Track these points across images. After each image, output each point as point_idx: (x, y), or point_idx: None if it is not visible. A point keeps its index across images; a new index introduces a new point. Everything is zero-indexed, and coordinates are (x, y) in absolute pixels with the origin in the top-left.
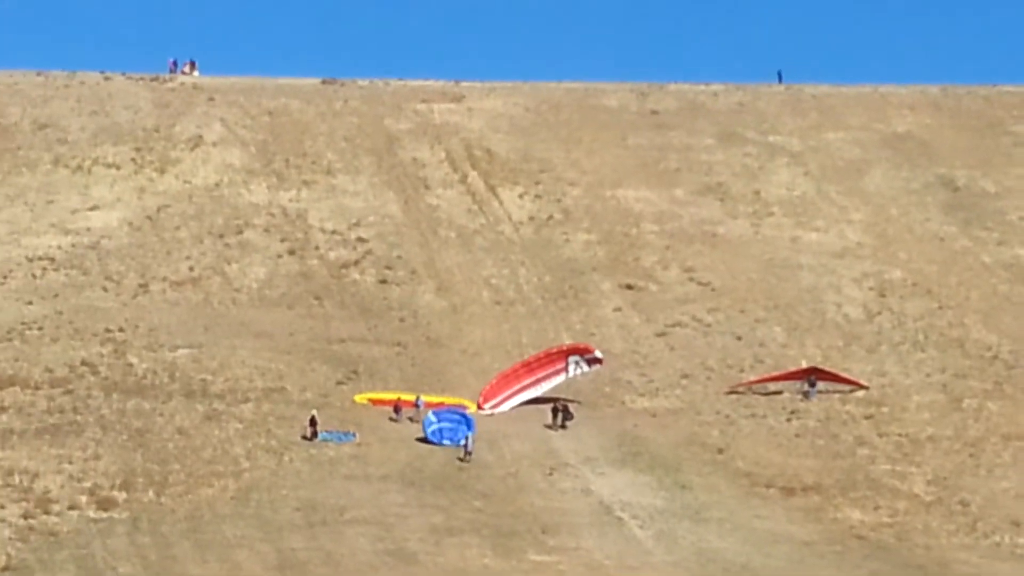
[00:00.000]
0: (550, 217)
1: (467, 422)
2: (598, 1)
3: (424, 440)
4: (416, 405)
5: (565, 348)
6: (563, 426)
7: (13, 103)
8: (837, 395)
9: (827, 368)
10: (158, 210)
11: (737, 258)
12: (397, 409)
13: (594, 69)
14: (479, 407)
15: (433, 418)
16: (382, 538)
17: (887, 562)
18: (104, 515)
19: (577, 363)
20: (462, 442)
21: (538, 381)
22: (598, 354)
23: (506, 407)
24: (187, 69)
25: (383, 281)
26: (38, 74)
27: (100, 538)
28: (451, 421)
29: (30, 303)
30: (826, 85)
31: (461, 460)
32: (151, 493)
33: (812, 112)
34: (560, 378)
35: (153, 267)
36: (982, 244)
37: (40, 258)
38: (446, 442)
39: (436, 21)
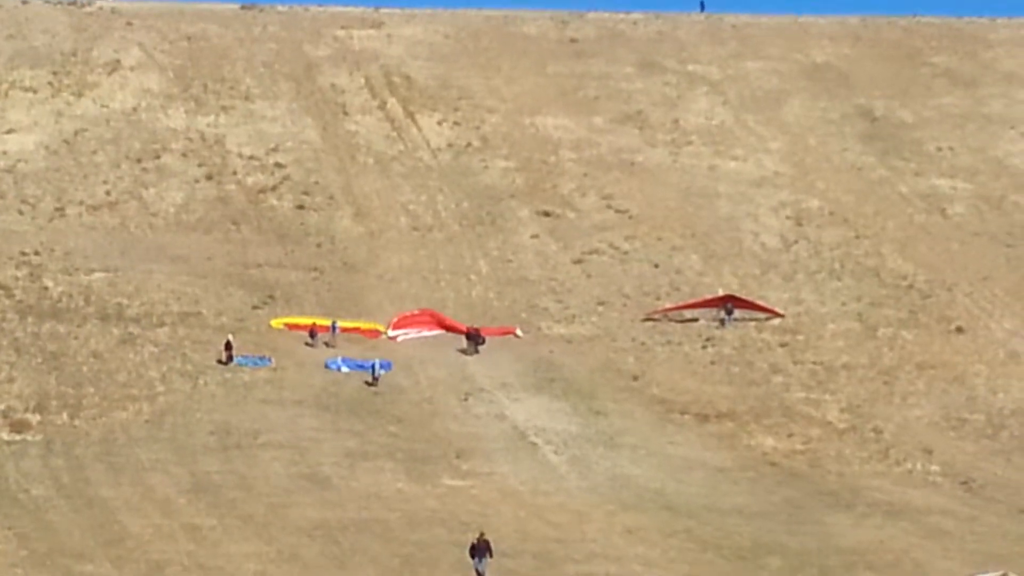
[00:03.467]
0: (468, 144)
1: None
2: None
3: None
4: (332, 330)
5: (493, 328)
6: (476, 351)
7: None
8: (753, 323)
9: (743, 296)
10: (75, 134)
11: (655, 186)
12: (313, 334)
13: None
14: (388, 330)
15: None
16: (296, 462)
17: (800, 489)
18: (17, 437)
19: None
20: (369, 368)
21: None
22: (519, 332)
23: (412, 335)
24: None
25: (300, 207)
26: None
27: (13, 460)
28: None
29: None
30: (746, 15)
31: (369, 384)
32: (65, 416)
33: (731, 41)
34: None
35: (69, 191)
36: (899, 174)
37: None
38: (344, 368)
39: None
